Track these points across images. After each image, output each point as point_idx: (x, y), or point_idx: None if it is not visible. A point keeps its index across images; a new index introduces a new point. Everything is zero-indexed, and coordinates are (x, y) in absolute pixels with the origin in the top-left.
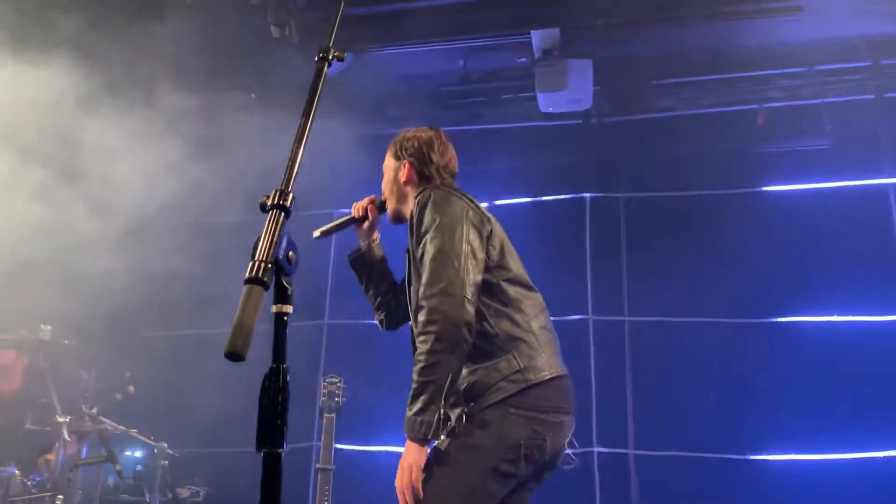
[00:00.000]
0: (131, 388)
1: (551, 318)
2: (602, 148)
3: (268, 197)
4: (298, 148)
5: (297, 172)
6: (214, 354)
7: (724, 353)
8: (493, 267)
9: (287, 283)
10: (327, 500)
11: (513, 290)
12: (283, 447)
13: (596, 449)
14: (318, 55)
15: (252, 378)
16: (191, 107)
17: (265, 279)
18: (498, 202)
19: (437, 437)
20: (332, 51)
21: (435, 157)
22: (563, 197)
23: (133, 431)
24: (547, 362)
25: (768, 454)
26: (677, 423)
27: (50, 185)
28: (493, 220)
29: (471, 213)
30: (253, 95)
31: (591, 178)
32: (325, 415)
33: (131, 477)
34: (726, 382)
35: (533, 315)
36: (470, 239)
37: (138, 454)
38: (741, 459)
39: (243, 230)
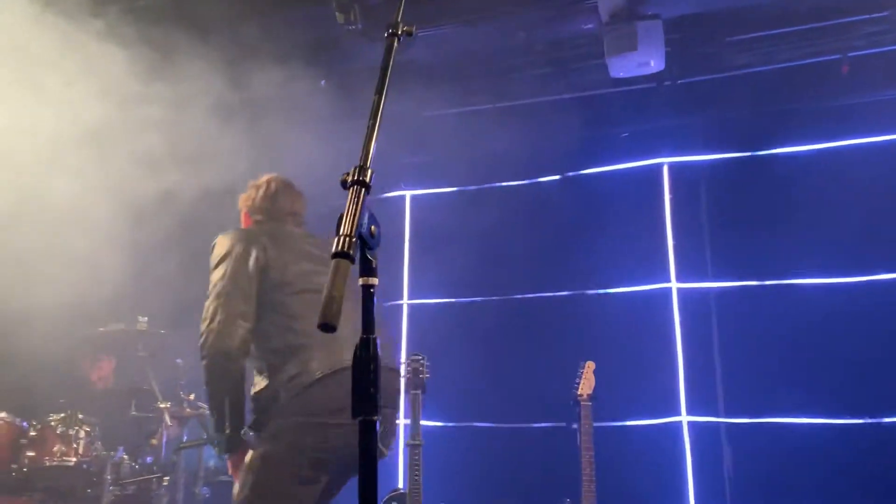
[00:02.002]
0: None
1: (627, 289)
2: (677, 111)
3: (347, 174)
4: (374, 124)
5: (374, 148)
6: None
7: (814, 315)
8: (276, 286)
9: (371, 256)
10: (418, 475)
11: (296, 302)
12: (377, 414)
13: (685, 418)
14: (387, 31)
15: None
16: (259, 94)
17: (350, 253)
18: (572, 173)
19: (236, 450)
20: (400, 26)
21: (258, 200)
22: (639, 164)
23: None
24: (322, 362)
25: (870, 418)
26: (769, 388)
27: (141, 175)
28: (282, 240)
29: (238, 248)
30: (322, 83)
31: (667, 142)
32: (412, 391)
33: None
34: (818, 345)
35: (312, 319)
36: (235, 275)
37: None
38: (841, 424)
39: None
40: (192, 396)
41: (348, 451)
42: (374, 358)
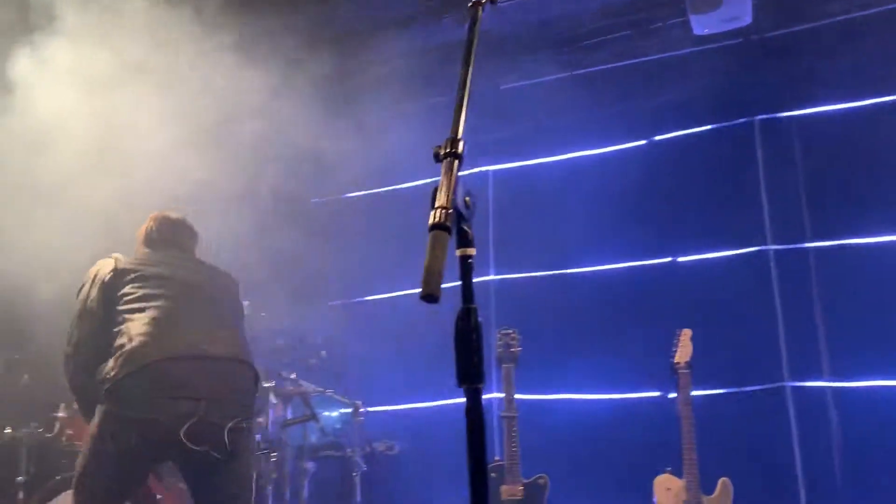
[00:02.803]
0: (323, 353)
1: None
2: (767, 66)
3: (439, 147)
4: (463, 95)
5: (465, 118)
6: (394, 317)
7: None
8: (122, 303)
9: (467, 227)
10: (515, 447)
11: (131, 310)
12: (482, 381)
13: (788, 384)
14: (470, 2)
15: (428, 340)
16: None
17: (447, 224)
18: (658, 137)
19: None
20: None
21: (142, 234)
22: (729, 124)
23: (329, 392)
24: (133, 358)
25: None
26: (879, 349)
27: (239, 165)
28: (139, 262)
29: (102, 270)
30: (389, 66)
31: (758, 100)
32: (504, 365)
33: (332, 434)
34: None
35: (139, 322)
36: (88, 297)
37: (335, 413)
38: None
39: (399, 201)
40: (293, 375)
41: (167, 429)
42: (476, 328)
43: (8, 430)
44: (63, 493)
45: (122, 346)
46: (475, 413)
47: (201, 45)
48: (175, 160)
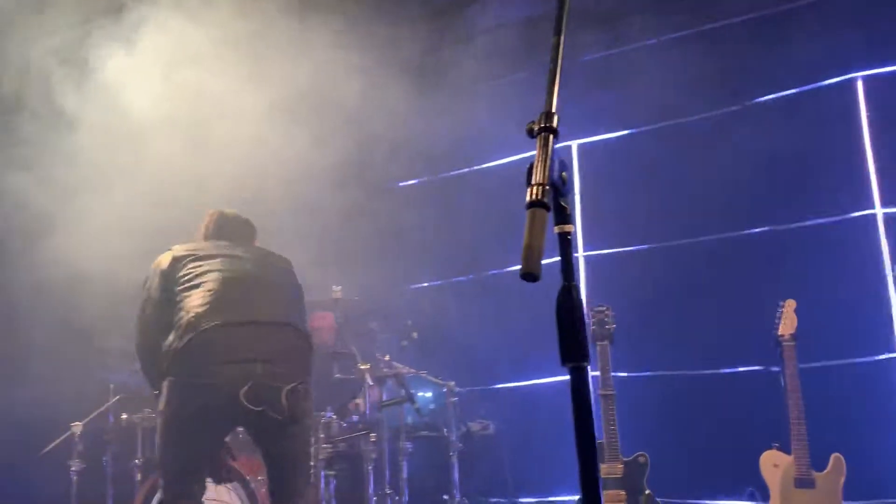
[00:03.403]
0: (415, 335)
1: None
2: (867, 19)
3: (533, 122)
4: (555, 67)
5: (557, 92)
6: (483, 297)
7: None
8: (179, 284)
9: (565, 203)
10: (613, 425)
11: (188, 288)
12: (587, 360)
13: None
14: None
15: (520, 319)
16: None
17: (545, 201)
18: (751, 101)
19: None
20: None
21: (202, 228)
22: (828, 82)
23: (423, 373)
24: (190, 328)
25: None
26: None
27: (329, 146)
28: (194, 249)
29: (162, 262)
30: (472, 43)
31: (859, 55)
32: (599, 343)
33: (427, 415)
34: None
35: (195, 296)
36: (151, 286)
37: (429, 394)
38: None
39: (484, 180)
40: (387, 357)
41: (228, 395)
42: (578, 305)
43: (124, 416)
44: None
45: (180, 319)
46: (581, 392)
47: (293, 26)
48: (267, 141)
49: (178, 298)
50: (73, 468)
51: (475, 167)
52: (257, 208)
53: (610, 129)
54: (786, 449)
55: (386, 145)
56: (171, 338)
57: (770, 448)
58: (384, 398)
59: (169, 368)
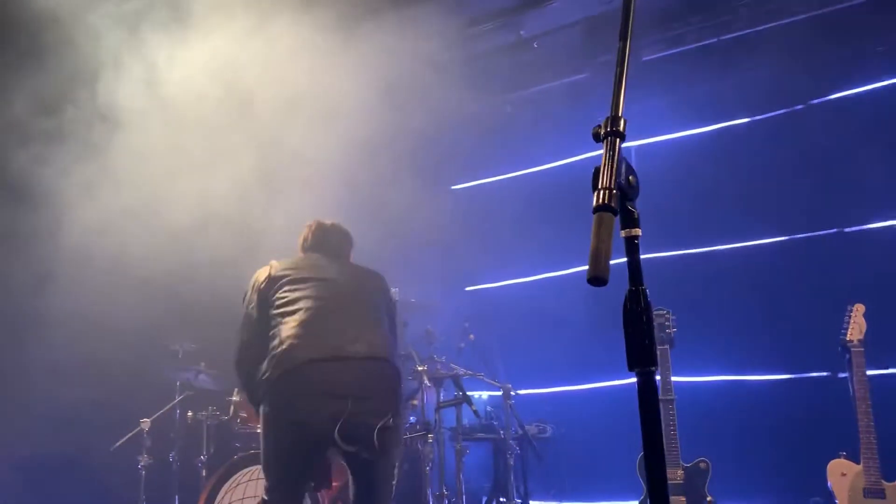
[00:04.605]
0: (472, 336)
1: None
2: None
3: (599, 126)
4: (622, 71)
5: (624, 96)
6: (540, 300)
7: None
8: (275, 307)
9: (632, 207)
10: (673, 430)
11: (283, 314)
12: (655, 365)
13: None
14: None
15: (575, 322)
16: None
17: (612, 205)
18: (817, 100)
19: None
20: None
21: (301, 241)
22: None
23: (480, 375)
24: (283, 361)
25: None
26: None
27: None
28: (291, 267)
29: (259, 277)
30: (535, 45)
31: None
32: (659, 346)
33: (484, 416)
34: None
35: (289, 325)
36: (250, 303)
37: (485, 396)
38: None
39: (538, 183)
40: (444, 358)
41: (320, 428)
42: (646, 309)
43: (190, 413)
44: (239, 472)
45: (274, 348)
46: (649, 398)
47: (355, 26)
48: (321, 141)
49: (273, 323)
50: (141, 463)
51: (531, 169)
52: (318, 210)
53: (668, 130)
54: (854, 458)
55: (443, 147)
56: (264, 366)
57: (838, 456)
58: (441, 399)
59: (264, 398)
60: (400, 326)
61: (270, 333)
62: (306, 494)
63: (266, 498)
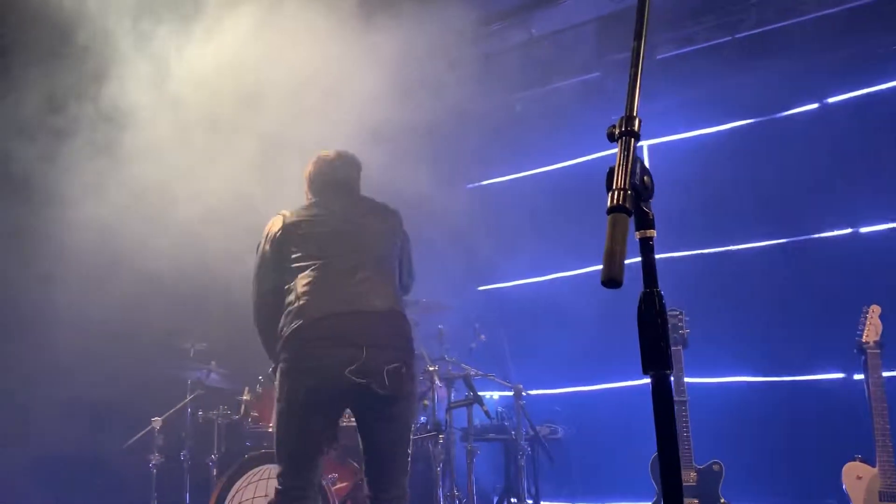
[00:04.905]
0: (483, 336)
1: None
2: None
3: (614, 126)
4: (637, 70)
5: (638, 96)
6: (550, 300)
7: None
8: (290, 261)
9: (646, 208)
10: (686, 431)
11: (298, 269)
12: (670, 368)
13: None
14: None
15: (587, 324)
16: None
17: (627, 206)
18: (831, 99)
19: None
20: None
21: (306, 179)
22: None
23: (491, 375)
24: (299, 316)
25: None
26: None
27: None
28: (302, 219)
29: (273, 227)
30: (546, 44)
31: None
32: (672, 347)
33: (495, 417)
34: None
35: (304, 280)
36: (264, 253)
37: (496, 396)
38: None
39: (549, 183)
40: (454, 358)
41: (334, 375)
42: (661, 312)
43: (201, 412)
44: (250, 471)
45: (290, 303)
46: (664, 400)
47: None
48: (331, 135)
49: (288, 276)
50: (152, 462)
51: (543, 168)
52: None
53: (681, 128)
54: (870, 461)
55: (456, 145)
56: (282, 322)
57: (853, 459)
58: (452, 399)
59: (281, 351)
60: (413, 264)
61: (286, 287)
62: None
63: (279, 486)
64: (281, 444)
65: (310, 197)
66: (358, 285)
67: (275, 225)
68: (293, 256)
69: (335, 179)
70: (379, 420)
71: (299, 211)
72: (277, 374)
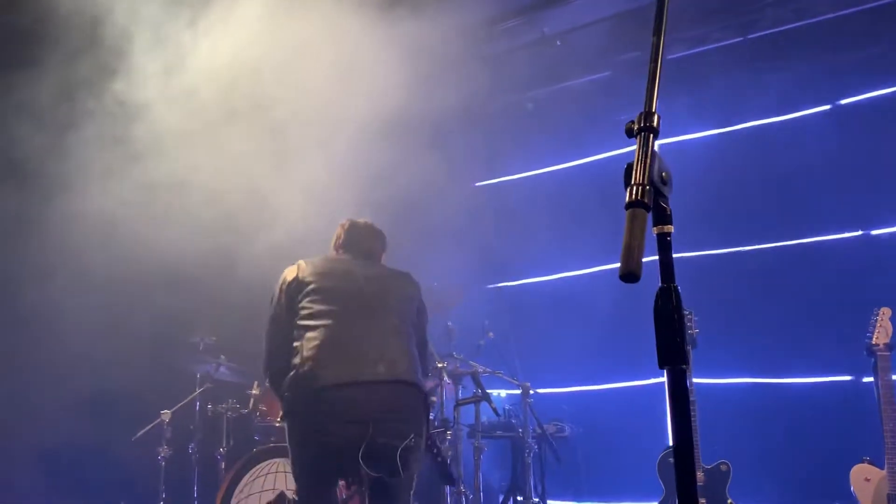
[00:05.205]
0: (491, 334)
1: None
2: None
3: (633, 122)
4: (655, 67)
5: (657, 91)
6: (560, 299)
7: None
8: (300, 316)
9: (664, 203)
10: (694, 431)
11: (306, 327)
12: (686, 363)
13: None
14: None
15: (596, 322)
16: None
17: (646, 201)
18: (844, 101)
19: None
20: None
21: (334, 240)
22: None
23: (499, 373)
24: (304, 383)
25: None
26: None
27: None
28: (318, 272)
29: (287, 276)
30: (558, 43)
31: None
32: None
33: (502, 414)
34: None
35: (311, 343)
36: (279, 303)
37: (503, 394)
38: None
39: (561, 181)
40: (462, 356)
41: (341, 447)
42: (678, 307)
43: (210, 406)
44: (258, 465)
45: (295, 366)
46: (680, 396)
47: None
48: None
49: (296, 333)
50: (161, 455)
51: (554, 167)
52: (344, 205)
53: (688, 129)
54: (878, 463)
55: (467, 142)
56: (286, 383)
57: (861, 461)
58: (460, 396)
59: (286, 413)
60: (426, 338)
61: (294, 345)
62: None
63: (297, 499)
64: (298, 476)
65: (331, 255)
66: (367, 352)
67: (289, 275)
68: (303, 313)
69: (359, 243)
70: (385, 489)
71: (316, 262)
72: (285, 426)
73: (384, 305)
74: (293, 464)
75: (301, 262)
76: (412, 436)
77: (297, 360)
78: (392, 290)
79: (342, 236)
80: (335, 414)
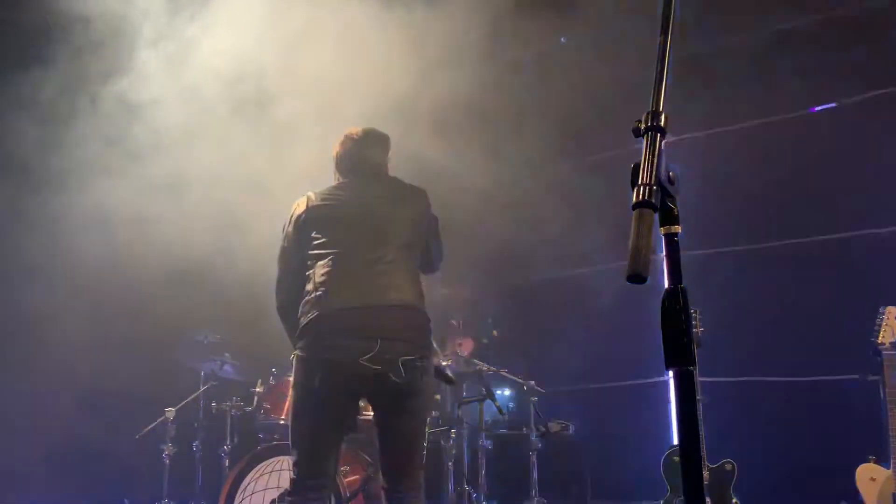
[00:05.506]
0: (495, 332)
1: None
2: None
3: (639, 121)
4: (662, 66)
5: (665, 90)
6: (565, 297)
7: None
8: (311, 246)
9: (672, 203)
10: (700, 430)
11: (318, 256)
12: (693, 363)
13: None
14: None
15: (602, 320)
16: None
17: (653, 201)
18: (851, 99)
19: None
20: None
21: (334, 159)
22: None
23: (504, 371)
24: (316, 307)
25: None
26: None
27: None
28: (326, 203)
29: (297, 209)
30: (563, 40)
31: None
32: None
33: (507, 413)
34: None
35: (323, 270)
36: (288, 235)
37: (508, 392)
38: None
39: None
40: (467, 354)
41: (348, 368)
42: (685, 308)
43: (214, 404)
44: (262, 463)
45: (308, 293)
46: (687, 397)
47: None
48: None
49: (308, 262)
50: (165, 452)
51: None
52: None
53: (693, 128)
54: (884, 462)
55: (464, 145)
56: (300, 310)
57: (867, 460)
58: (464, 395)
59: (298, 339)
60: (442, 244)
61: (306, 273)
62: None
63: (294, 475)
64: (296, 433)
65: (338, 178)
66: (376, 278)
67: (299, 207)
68: (315, 242)
69: (362, 159)
70: (396, 414)
71: (325, 193)
72: (294, 363)
73: (393, 231)
74: (294, 408)
75: (310, 193)
76: (415, 356)
77: (309, 287)
78: (400, 213)
79: (344, 157)
80: (344, 330)
